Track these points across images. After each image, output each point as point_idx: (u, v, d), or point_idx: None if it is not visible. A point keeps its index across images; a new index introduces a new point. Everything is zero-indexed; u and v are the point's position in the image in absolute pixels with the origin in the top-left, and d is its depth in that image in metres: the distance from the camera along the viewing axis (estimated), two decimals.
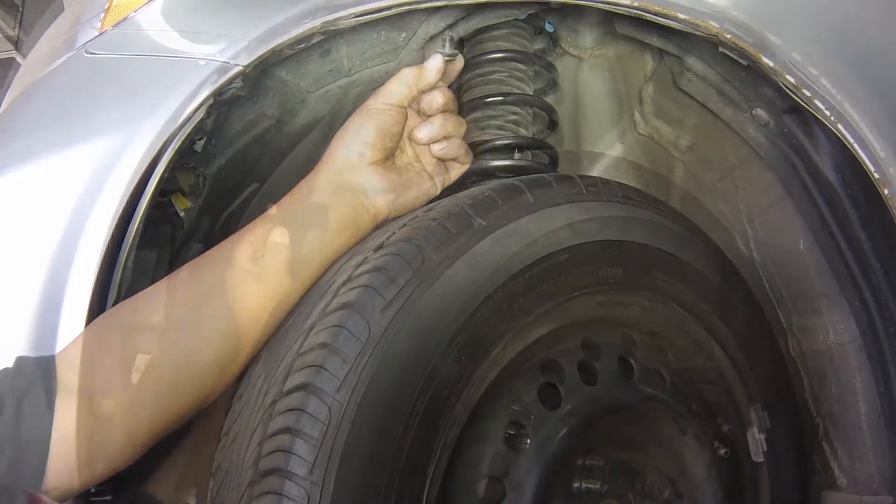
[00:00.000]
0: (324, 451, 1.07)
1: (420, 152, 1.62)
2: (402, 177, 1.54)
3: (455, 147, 1.62)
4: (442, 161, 1.63)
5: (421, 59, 1.74)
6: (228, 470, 1.19)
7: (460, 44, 1.79)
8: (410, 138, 1.60)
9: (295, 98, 1.74)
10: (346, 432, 1.08)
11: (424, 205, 1.53)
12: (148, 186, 1.43)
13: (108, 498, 1.37)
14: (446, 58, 1.61)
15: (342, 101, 1.82)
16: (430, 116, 1.60)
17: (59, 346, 1.35)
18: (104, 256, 1.38)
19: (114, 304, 1.41)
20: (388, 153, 1.53)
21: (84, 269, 1.38)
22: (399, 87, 1.54)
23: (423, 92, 1.58)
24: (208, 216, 1.80)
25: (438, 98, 1.59)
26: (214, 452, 1.30)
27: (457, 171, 1.66)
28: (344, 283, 1.22)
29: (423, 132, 1.57)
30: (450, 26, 1.72)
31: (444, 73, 1.61)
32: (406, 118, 1.57)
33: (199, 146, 1.58)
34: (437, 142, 1.58)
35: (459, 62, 1.67)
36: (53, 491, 1.19)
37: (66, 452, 1.19)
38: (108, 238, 1.38)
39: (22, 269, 1.42)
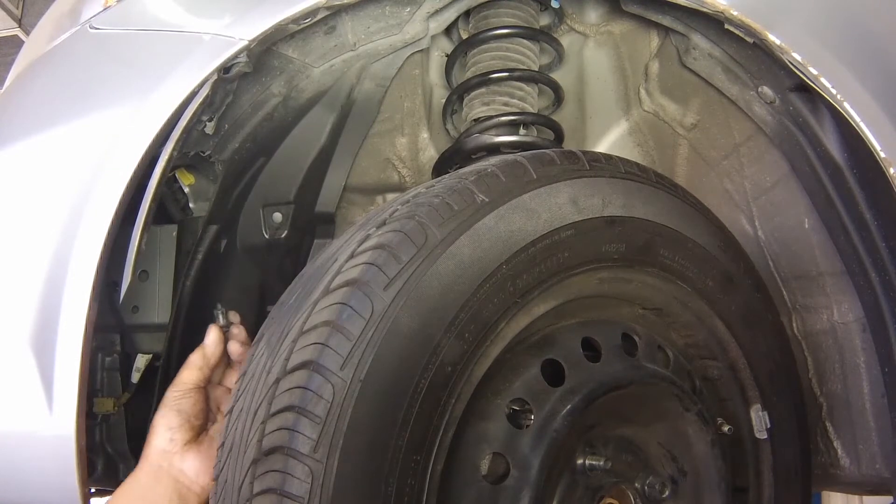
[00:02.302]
0: (328, 429, 1.07)
1: None
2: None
3: None
4: None
5: (426, 32, 1.75)
6: (232, 448, 1.19)
7: (459, 23, 1.80)
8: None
9: (301, 74, 1.74)
10: (351, 410, 1.08)
11: None
12: (157, 163, 1.43)
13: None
14: (223, 328, 1.66)
15: (346, 75, 1.82)
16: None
17: (62, 320, 1.36)
18: (109, 235, 1.37)
19: (129, 284, 1.44)
20: (197, 430, 1.60)
21: (88, 247, 1.37)
22: (190, 373, 1.60)
23: (216, 364, 1.64)
24: (223, 199, 1.80)
25: (237, 348, 1.66)
26: None
27: None
28: (347, 260, 1.21)
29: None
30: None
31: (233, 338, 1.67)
32: (206, 396, 1.64)
33: (210, 128, 1.58)
34: None
35: (242, 333, 1.70)
36: None
37: None
38: (113, 216, 1.38)
39: (25, 248, 1.42)
